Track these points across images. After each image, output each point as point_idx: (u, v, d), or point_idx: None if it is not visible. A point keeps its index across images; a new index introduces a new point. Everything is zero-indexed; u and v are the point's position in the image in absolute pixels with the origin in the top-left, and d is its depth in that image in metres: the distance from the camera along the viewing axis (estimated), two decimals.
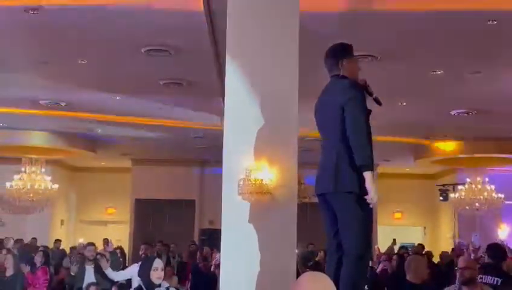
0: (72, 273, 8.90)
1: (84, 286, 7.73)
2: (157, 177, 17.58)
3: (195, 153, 16.40)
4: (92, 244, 9.48)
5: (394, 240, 15.07)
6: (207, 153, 15.57)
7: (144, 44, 7.81)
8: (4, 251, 10.59)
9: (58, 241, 14.89)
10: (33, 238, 14.33)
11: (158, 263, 4.66)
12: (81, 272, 8.37)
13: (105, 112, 11.79)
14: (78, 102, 11.11)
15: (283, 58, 4.96)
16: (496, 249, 6.38)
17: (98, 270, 8.18)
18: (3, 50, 8.23)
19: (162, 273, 4.60)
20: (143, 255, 8.92)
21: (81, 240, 14.65)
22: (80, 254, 10.30)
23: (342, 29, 7.01)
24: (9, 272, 8.54)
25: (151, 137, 14.36)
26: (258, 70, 4.94)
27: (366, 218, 3.83)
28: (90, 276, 8.16)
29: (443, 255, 12.79)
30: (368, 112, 3.91)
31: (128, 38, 7.66)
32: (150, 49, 7.95)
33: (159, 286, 4.56)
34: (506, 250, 8.12)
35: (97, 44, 7.88)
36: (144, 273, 4.59)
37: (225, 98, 4.98)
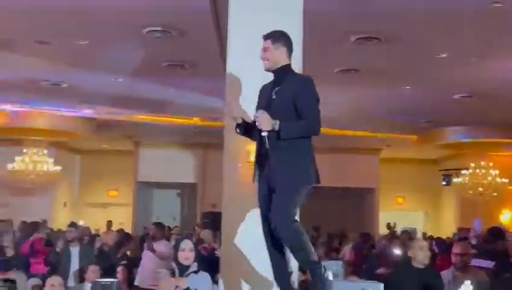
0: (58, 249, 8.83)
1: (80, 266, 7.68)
2: (159, 160, 17.55)
3: (198, 136, 16.37)
4: (74, 225, 9.44)
5: (388, 223, 15.03)
6: (209, 135, 15.55)
7: (146, 25, 7.75)
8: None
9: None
10: (44, 220, 14.33)
11: (185, 244, 4.55)
12: (67, 251, 8.26)
13: (107, 93, 11.74)
14: (79, 83, 11.06)
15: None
16: (494, 233, 6.37)
17: (87, 254, 8.12)
18: (3, 31, 8.17)
19: (190, 254, 4.50)
20: (151, 237, 8.93)
21: (82, 223, 14.67)
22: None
23: (345, 11, 6.94)
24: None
25: (153, 119, 14.33)
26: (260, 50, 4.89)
27: None
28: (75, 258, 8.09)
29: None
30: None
31: (130, 19, 7.60)
32: (152, 30, 7.88)
33: (188, 267, 4.47)
34: (506, 235, 8.10)
35: (98, 24, 7.82)
36: (174, 254, 4.54)
37: (227, 79, 4.93)
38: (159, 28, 7.83)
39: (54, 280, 5.78)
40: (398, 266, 6.02)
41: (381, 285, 3.53)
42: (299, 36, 4.90)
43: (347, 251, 10.24)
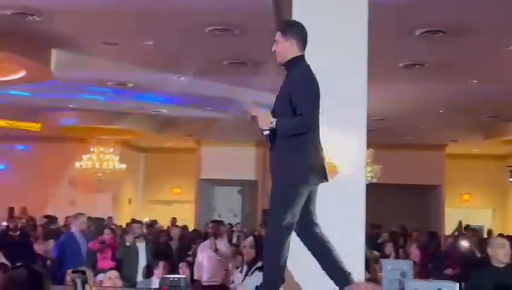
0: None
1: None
2: (221, 157, 17.69)
3: (259, 133, 16.37)
4: (137, 221, 9.56)
5: (460, 221, 14.65)
6: None
7: (208, 24, 7.82)
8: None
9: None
10: (109, 217, 14.74)
11: (246, 241, 4.62)
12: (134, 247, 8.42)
13: (170, 92, 11.92)
14: (144, 83, 11.28)
15: (350, 36, 4.84)
16: None
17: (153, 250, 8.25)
18: (71, 32, 8.42)
19: (251, 251, 4.54)
20: (210, 233, 9.02)
21: (146, 219, 14.98)
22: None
23: (410, 4, 6.79)
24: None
25: (215, 117, 14.44)
26: (324, 48, 4.83)
27: None
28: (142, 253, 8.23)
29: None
30: None
31: (193, 19, 7.68)
32: (214, 29, 7.95)
33: (253, 264, 4.53)
34: None
35: (163, 24, 7.94)
36: (237, 251, 4.62)
37: None
38: (222, 27, 7.89)
39: (111, 273, 6.10)
40: (472, 265, 5.83)
41: (457, 285, 3.42)
42: (364, 30, 4.82)
43: (413, 250, 10.05)
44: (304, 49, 3.73)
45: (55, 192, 16.91)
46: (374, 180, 10.31)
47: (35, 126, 14.68)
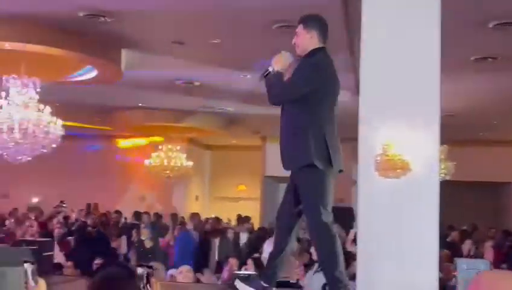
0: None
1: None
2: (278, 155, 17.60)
3: None
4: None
5: None
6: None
7: (276, 20, 7.81)
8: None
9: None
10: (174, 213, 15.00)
11: None
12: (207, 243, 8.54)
13: (236, 90, 12.00)
14: (211, 81, 11.40)
15: (423, 29, 4.73)
16: None
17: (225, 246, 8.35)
18: (140, 32, 8.60)
19: None
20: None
21: (213, 216, 15.15)
22: None
23: None
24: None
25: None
26: (395, 42, 4.74)
27: None
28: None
29: None
30: None
31: (260, 16, 7.69)
32: (282, 26, 7.93)
33: None
34: None
35: (230, 23, 7.99)
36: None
37: (360, 72, 4.84)
38: (289, 24, 7.85)
39: (183, 268, 6.33)
40: None
41: None
42: (437, 23, 4.69)
43: (487, 249, 9.74)
44: (325, 42, 3.84)
45: (125, 189, 17.39)
46: (447, 178, 10.05)
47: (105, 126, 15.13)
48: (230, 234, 10.61)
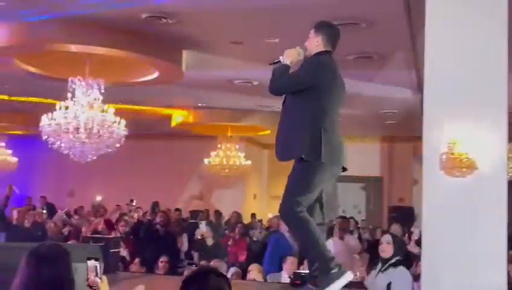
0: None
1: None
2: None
3: (384, 129, 16.06)
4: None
5: None
6: (396, 128, 15.18)
7: (335, 18, 7.74)
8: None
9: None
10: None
11: (384, 237, 4.78)
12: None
13: None
14: (269, 80, 11.39)
15: (489, 24, 4.59)
16: None
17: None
18: (200, 33, 8.69)
19: (387, 247, 4.71)
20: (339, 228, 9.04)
21: (270, 215, 15.17)
22: None
23: None
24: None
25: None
26: (460, 37, 4.64)
27: None
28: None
29: None
30: None
31: (319, 14, 7.64)
32: (340, 23, 7.84)
33: (388, 260, 4.70)
34: None
35: (288, 21, 7.99)
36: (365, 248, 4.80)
37: (425, 69, 4.75)
38: (348, 21, 7.79)
39: (253, 266, 6.52)
40: None
41: None
42: (504, 28, 4.55)
43: None
44: (331, 47, 4.07)
45: (184, 187, 17.65)
46: None
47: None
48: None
